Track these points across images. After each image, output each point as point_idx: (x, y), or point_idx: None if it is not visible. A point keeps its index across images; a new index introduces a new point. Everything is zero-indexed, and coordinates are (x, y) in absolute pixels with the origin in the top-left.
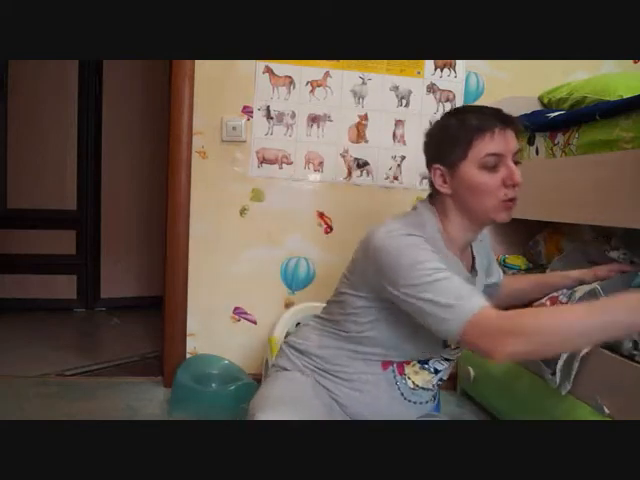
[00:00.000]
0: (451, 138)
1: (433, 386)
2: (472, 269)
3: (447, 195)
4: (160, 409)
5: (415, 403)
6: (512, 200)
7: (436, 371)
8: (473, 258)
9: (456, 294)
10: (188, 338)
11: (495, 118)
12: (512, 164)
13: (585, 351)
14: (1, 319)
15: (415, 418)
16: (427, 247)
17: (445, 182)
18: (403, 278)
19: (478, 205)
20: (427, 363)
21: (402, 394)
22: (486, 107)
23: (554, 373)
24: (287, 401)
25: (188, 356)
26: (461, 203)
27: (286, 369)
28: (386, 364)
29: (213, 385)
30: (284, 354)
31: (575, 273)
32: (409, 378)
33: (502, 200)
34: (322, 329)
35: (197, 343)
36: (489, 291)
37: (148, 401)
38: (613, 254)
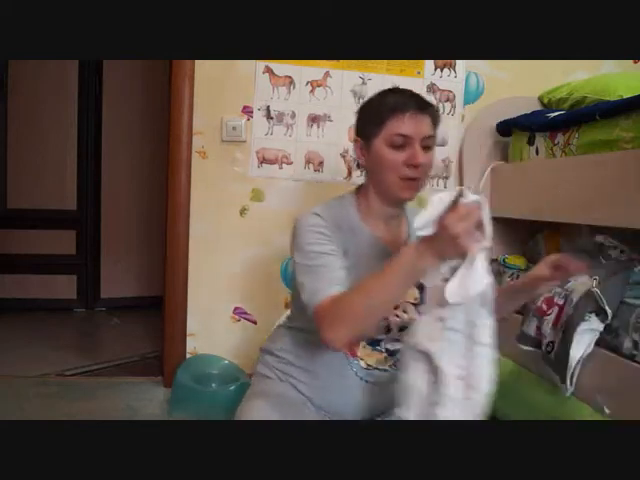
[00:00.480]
0: (370, 115)
1: (390, 367)
2: (405, 243)
3: (365, 168)
4: (160, 409)
5: (374, 384)
6: (413, 180)
7: (390, 352)
8: (409, 234)
9: (318, 285)
10: (188, 338)
11: (412, 102)
12: (418, 147)
13: (586, 352)
14: (1, 319)
15: (379, 404)
16: (323, 230)
17: (363, 155)
18: (295, 256)
19: (383, 180)
20: (378, 344)
21: (356, 373)
22: (410, 92)
23: (564, 381)
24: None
25: (188, 356)
26: (373, 176)
27: (266, 376)
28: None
29: (213, 385)
30: (259, 360)
31: (533, 271)
32: (362, 359)
33: (401, 178)
34: (286, 327)
35: (197, 343)
36: None
37: (148, 401)
38: (611, 252)
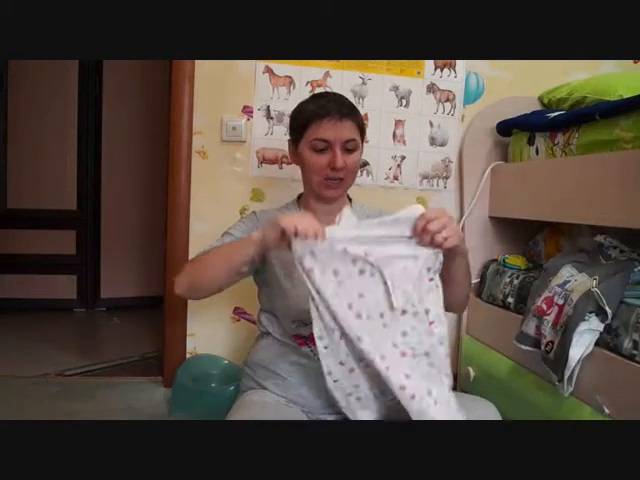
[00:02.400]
0: (295, 119)
1: None
2: None
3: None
4: (160, 409)
5: None
6: (335, 180)
7: None
8: None
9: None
10: (188, 338)
11: (332, 108)
12: (338, 150)
13: (586, 353)
14: (1, 319)
15: None
16: (246, 221)
17: (293, 155)
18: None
19: (310, 180)
20: None
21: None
22: (335, 97)
23: (561, 380)
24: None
25: (188, 356)
26: (304, 177)
27: (249, 387)
28: (300, 342)
29: (213, 385)
30: (243, 375)
31: None
32: None
33: (324, 179)
34: (258, 335)
35: (197, 343)
36: None
37: (148, 401)
38: (611, 252)
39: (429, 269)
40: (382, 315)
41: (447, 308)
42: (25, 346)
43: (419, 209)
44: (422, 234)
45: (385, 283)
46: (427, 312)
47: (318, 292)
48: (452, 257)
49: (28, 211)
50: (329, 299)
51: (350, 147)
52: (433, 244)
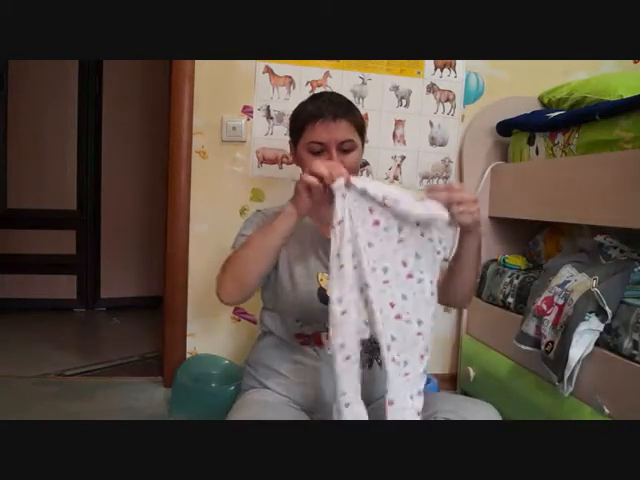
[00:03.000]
0: (293, 122)
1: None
2: None
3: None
4: (160, 409)
5: None
6: None
7: None
8: None
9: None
10: (188, 338)
11: (326, 109)
12: (334, 152)
13: (586, 353)
14: (1, 319)
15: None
16: (255, 219)
17: (294, 156)
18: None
19: None
20: None
21: (326, 363)
22: (330, 98)
23: (561, 380)
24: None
25: (188, 356)
26: None
27: (251, 386)
28: (303, 341)
29: (213, 385)
30: (244, 374)
31: None
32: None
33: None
34: (260, 334)
35: (197, 343)
36: None
37: (148, 401)
38: (611, 252)
39: (440, 241)
40: (385, 270)
41: (452, 300)
42: (25, 346)
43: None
44: (439, 196)
45: (400, 241)
46: (431, 283)
47: (352, 242)
48: (464, 235)
49: (28, 211)
50: (362, 250)
51: (346, 147)
52: (448, 212)
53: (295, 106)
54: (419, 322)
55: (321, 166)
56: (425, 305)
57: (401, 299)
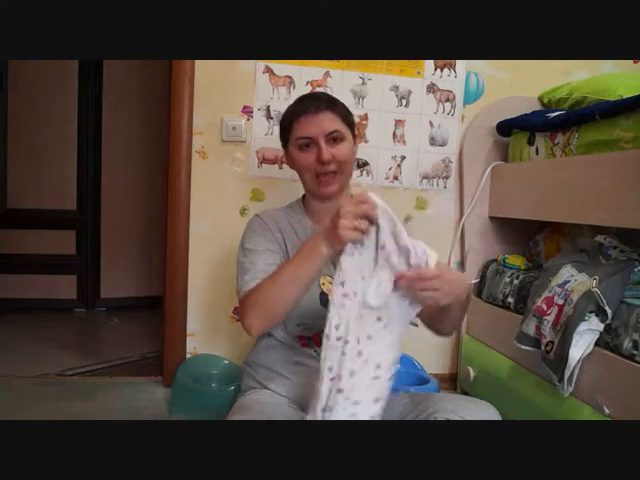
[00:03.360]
0: (281, 125)
1: None
2: None
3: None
4: (160, 409)
5: None
6: (327, 174)
7: None
8: None
9: (243, 279)
10: (188, 338)
11: (310, 104)
12: (323, 144)
13: (586, 353)
14: (1, 319)
15: None
16: (258, 227)
17: (287, 159)
18: (238, 253)
19: (303, 180)
20: None
21: None
22: (313, 95)
23: (561, 380)
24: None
25: (188, 356)
26: (300, 178)
27: (250, 387)
28: (304, 342)
29: (213, 385)
30: (243, 374)
31: None
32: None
33: (316, 175)
34: (259, 336)
35: (197, 343)
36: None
37: (148, 401)
38: (611, 252)
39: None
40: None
41: (439, 331)
42: (25, 346)
43: (433, 258)
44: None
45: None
46: (396, 333)
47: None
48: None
49: (28, 211)
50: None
51: (335, 137)
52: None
53: None
54: (377, 366)
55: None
56: (386, 349)
57: (366, 338)
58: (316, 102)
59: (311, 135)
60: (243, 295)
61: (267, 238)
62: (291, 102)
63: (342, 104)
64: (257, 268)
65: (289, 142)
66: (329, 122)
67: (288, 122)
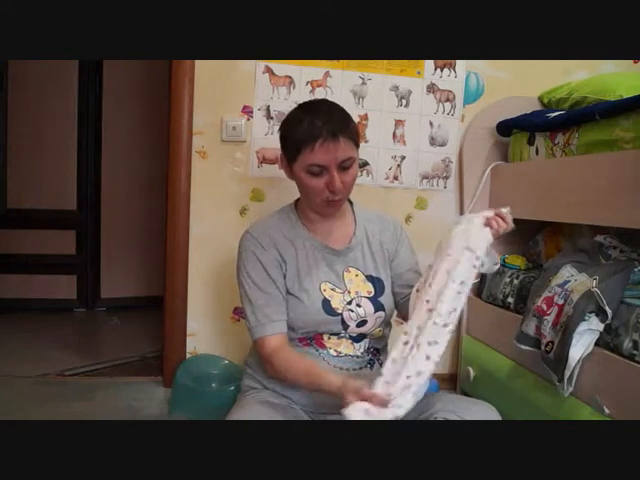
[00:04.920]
0: (287, 140)
1: (362, 354)
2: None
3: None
4: (160, 409)
5: (348, 370)
6: (335, 201)
7: (354, 339)
8: (354, 233)
9: (256, 318)
10: (188, 338)
11: (323, 126)
12: (334, 172)
13: (586, 353)
14: (1, 319)
15: None
16: (255, 249)
17: (287, 171)
18: (237, 273)
19: (306, 200)
20: (341, 333)
21: (328, 363)
22: (324, 112)
23: (561, 380)
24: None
25: (188, 356)
26: (301, 192)
27: (251, 387)
28: (305, 343)
29: (213, 385)
30: (244, 374)
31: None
32: (330, 348)
33: (324, 200)
34: None
35: (197, 343)
36: (394, 279)
37: (148, 401)
38: (611, 252)
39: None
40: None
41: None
42: (25, 346)
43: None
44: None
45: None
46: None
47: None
48: None
49: (28, 211)
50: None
51: (347, 165)
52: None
53: (290, 109)
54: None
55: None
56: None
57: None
58: (332, 125)
59: (324, 164)
60: (260, 341)
61: (266, 262)
62: (291, 102)
63: (352, 120)
64: (267, 309)
65: (296, 162)
66: (343, 150)
67: (299, 143)
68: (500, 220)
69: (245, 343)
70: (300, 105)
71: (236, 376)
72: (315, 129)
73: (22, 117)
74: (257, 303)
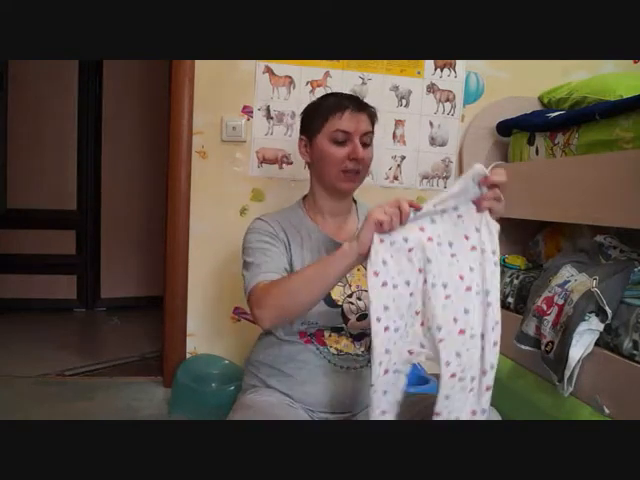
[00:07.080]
0: (313, 114)
1: (363, 352)
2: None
3: (309, 165)
4: (160, 409)
5: (348, 369)
6: (353, 172)
7: (355, 337)
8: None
9: (253, 273)
10: (188, 338)
11: (350, 102)
12: (358, 142)
13: (586, 353)
14: (1, 319)
15: (353, 387)
16: (262, 230)
17: (307, 152)
18: (242, 249)
19: (325, 173)
20: (342, 330)
21: (329, 361)
22: (349, 94)
23: (561, 380)
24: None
25: (188, 356)
26: (316, 170)
27: (252, 385)
28: (306, 340)
29: (213, 385)
30: (245, 373)
31: None
32: (331, 346)
33: (343, 170)
34: (261, 334)
35: (197, 343)
36: None
37: (148, 401)
38: (611, 252)
39: (494, 252)
40: (445, 286)
41: None
42: (25, 346)
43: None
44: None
45: (452, 255)
46: (487, 293)
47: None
48: None
49: (28, 211)
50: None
51: (366, 141)
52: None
53: (295, 106)
54: (482, 336)
55: (382, 214)
56: (485, 317)
57: (463, 313)
58: (356, 101)
59: (351, 131)
60: (255, 285)
61: (270, 237)
62: (291, 102)
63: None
64: (266, 265)
65: (320, 132)
66: (367, 123)
67: (326, 112)
68: (494, 201)
69: (245, 343)
70: (321, 96)
71: (236, 376)
72: (343, 101)
73: (22, 117)
74: (256, 262)
